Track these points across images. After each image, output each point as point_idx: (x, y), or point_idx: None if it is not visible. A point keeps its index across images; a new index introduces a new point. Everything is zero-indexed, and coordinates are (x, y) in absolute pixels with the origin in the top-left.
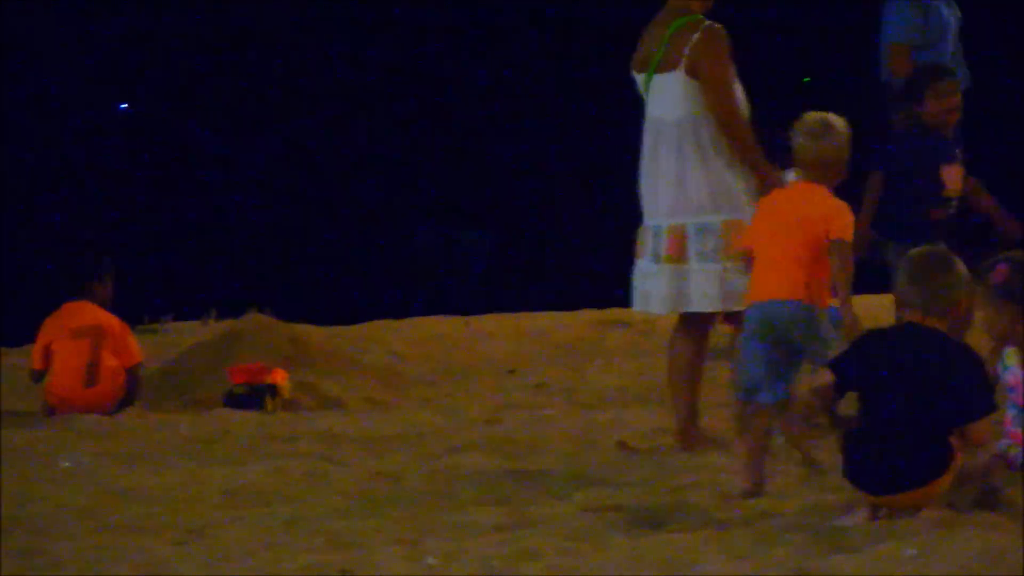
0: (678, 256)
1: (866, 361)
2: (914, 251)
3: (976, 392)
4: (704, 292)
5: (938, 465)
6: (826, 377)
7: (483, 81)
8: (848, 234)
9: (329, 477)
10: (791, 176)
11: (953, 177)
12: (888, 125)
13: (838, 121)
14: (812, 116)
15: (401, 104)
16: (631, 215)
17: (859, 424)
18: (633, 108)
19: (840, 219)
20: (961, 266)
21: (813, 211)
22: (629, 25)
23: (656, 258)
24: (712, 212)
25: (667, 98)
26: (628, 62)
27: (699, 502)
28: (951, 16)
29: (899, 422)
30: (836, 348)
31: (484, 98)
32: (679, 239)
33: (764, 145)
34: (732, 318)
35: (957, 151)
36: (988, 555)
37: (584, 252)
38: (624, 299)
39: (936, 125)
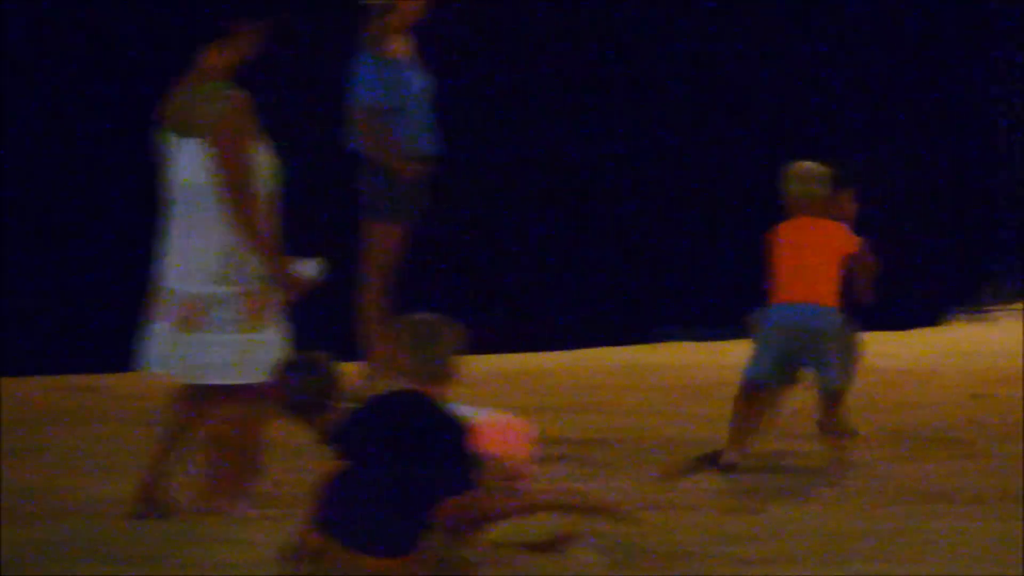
0: (193, 325)
1: (359, 425)
2: (404, 318)
3: (450, 469)
4: (220, 363)
5: (407, 540)
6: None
7: None
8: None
9: None
10: (306, 267)
11: None
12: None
13: (818, 167)
14: (801, 166)
15: None
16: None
17: (340, 476)
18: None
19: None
20: (452, 331)
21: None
22: None
23: (173, 323)
24: (229, 282)
25: (188, 163)
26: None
27: None
28: (420, 81)
29: (378, 489)
30: None
31: None
32: (193, 307)
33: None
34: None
35: None
36: None
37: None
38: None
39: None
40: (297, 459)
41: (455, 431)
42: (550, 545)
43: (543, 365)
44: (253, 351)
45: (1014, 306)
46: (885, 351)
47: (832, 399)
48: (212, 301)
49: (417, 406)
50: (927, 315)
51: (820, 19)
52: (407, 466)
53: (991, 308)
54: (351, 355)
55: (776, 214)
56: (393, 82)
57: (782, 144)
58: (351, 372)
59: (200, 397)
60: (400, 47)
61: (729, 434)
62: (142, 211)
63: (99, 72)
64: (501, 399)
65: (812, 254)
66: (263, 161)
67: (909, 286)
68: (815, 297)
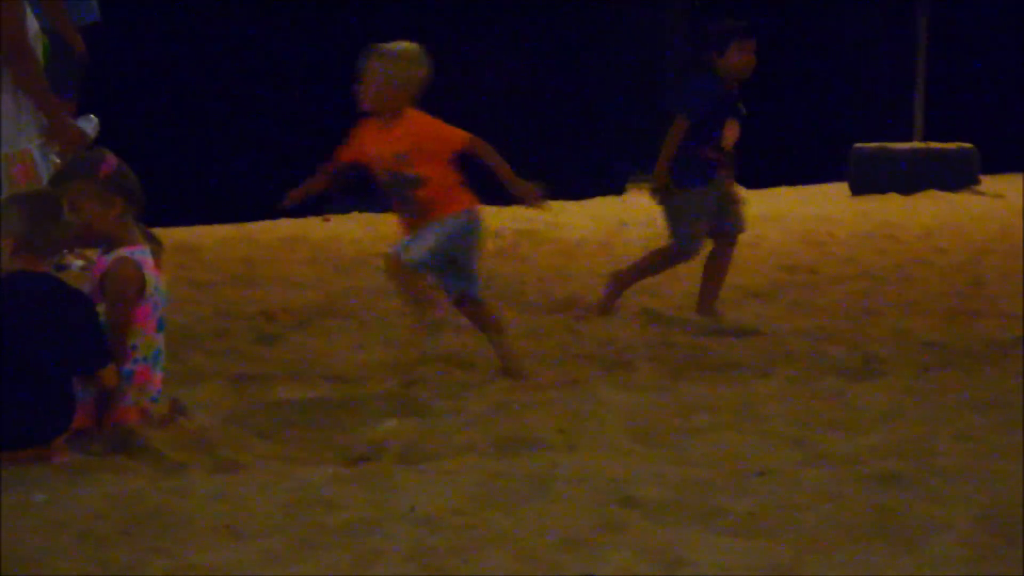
0: None
1: None
2: (20, 194)
3: (90, 340)
4: None
5: (61, 419)
6: None
7: None
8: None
9: None
10: (87, 122)
11: (732, 132)
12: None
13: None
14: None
15: None
16: None
17: None
18: None
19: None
20: (59, 203)
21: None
22: None
23: None
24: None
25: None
26: None
27: None
28: None
29: (13, 376)
30: None
31: None
32: None
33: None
34: None
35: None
36: (119, 498)
37: None
38: None
39: (730, 78)
40: None
41: (84, 304)
42: (168, 417)
43: (211, 238)
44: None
45: None
46: (569, 222)
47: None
48: None
49: (40, 284)
50: (612, 185)
51: None
52: (38, 350)
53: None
54: None
55: None
56: None
57: None
58: None
59: None
60: None
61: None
62: None
63: None
64: (181, 271)
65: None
66: (31, 20)
67: (593, 159)
68: None
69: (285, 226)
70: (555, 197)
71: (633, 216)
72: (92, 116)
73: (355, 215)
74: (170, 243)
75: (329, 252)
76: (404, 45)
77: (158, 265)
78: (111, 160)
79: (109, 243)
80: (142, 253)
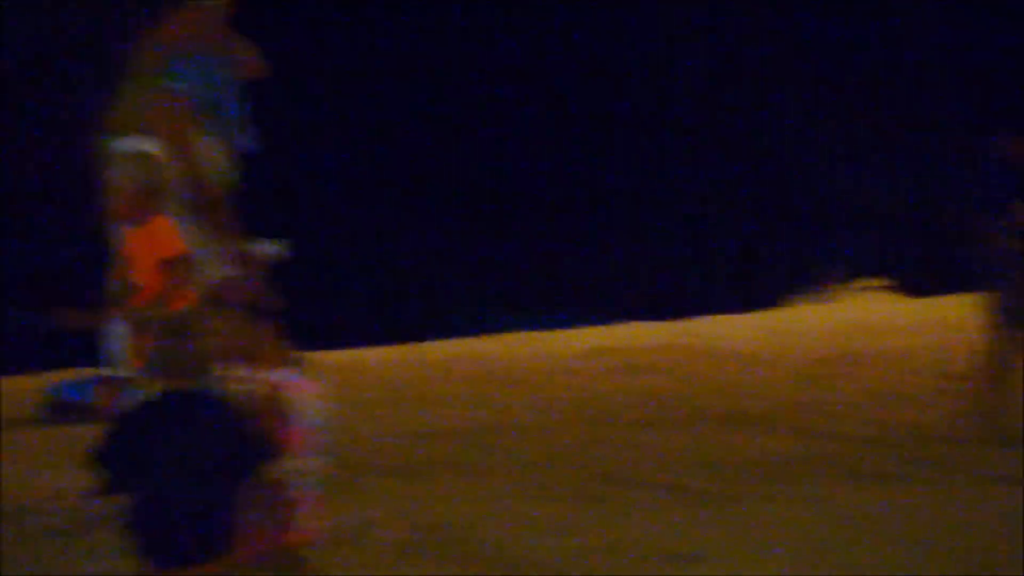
0: None
1: (129, 443)
2: (164, 315)
3: (241, 443)
4: None
5: (225, 535)
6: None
7: None
8: None
9: None
10: (269, 247)
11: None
12: None
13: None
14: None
15: None
16: None
17: (137, 499)
18: None
19: None
20: (202, 323)
21: None
22: None
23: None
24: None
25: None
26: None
27: None
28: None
29: (175, 494)
30: None
31: None
32: None
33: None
34: None
35: None
36: None
37: None
38: None
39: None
40: None
41: (231, 413)
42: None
43: (375, 358)
44: None
45: (853, 285)
46: (723, 333)
47: None
48: None
49: (185, 402)
50: (768, 296)
51: None
52: (192, 467)
53: (831, 287)
54: None
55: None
56: (200, 74)
57: None
58: None
59: None
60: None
61: None
62: None
63: None
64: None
65: None
66: (210, 148)
67: (750, 269)
68: None
69: (452, 346)
70: (709, 312)
71: (793, 327)
72: (277, 242)
73: (520, 333)
74: (333, 365)
75: (494, 370)
76: (139, 146)
77: (306, 386)
78: (252, 283)
79: (250, 363)
80: (282, 375)
